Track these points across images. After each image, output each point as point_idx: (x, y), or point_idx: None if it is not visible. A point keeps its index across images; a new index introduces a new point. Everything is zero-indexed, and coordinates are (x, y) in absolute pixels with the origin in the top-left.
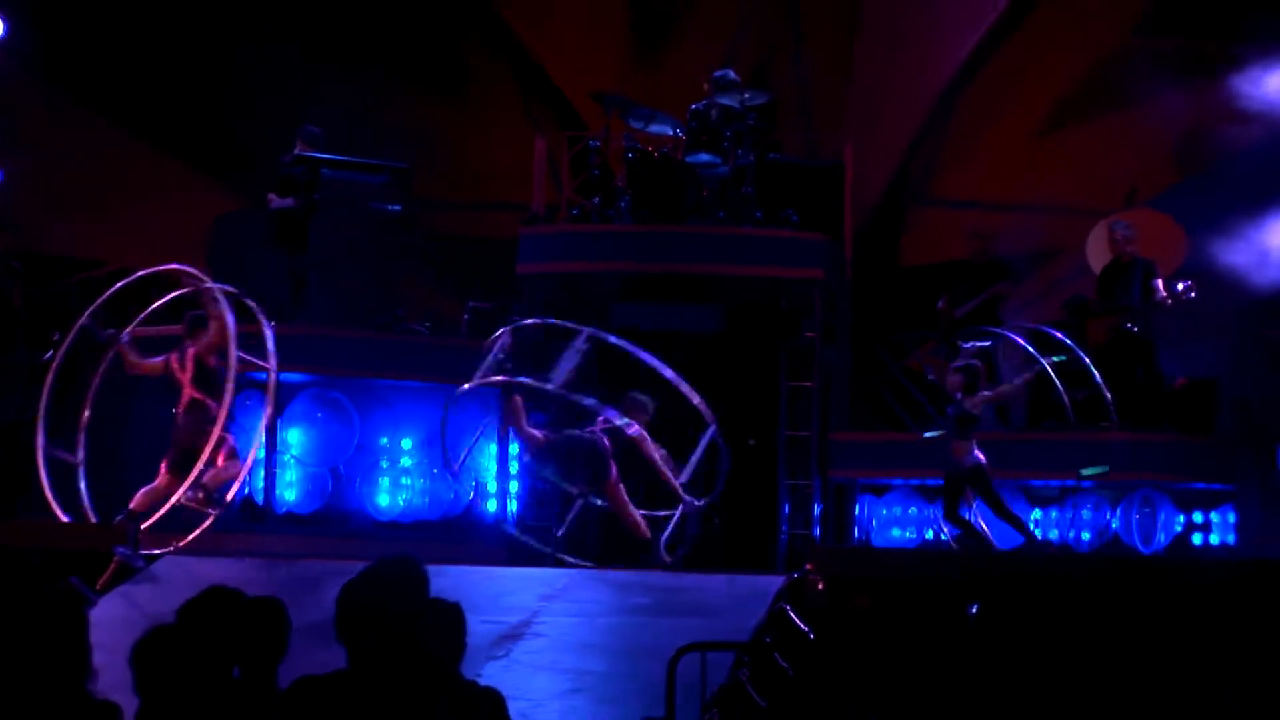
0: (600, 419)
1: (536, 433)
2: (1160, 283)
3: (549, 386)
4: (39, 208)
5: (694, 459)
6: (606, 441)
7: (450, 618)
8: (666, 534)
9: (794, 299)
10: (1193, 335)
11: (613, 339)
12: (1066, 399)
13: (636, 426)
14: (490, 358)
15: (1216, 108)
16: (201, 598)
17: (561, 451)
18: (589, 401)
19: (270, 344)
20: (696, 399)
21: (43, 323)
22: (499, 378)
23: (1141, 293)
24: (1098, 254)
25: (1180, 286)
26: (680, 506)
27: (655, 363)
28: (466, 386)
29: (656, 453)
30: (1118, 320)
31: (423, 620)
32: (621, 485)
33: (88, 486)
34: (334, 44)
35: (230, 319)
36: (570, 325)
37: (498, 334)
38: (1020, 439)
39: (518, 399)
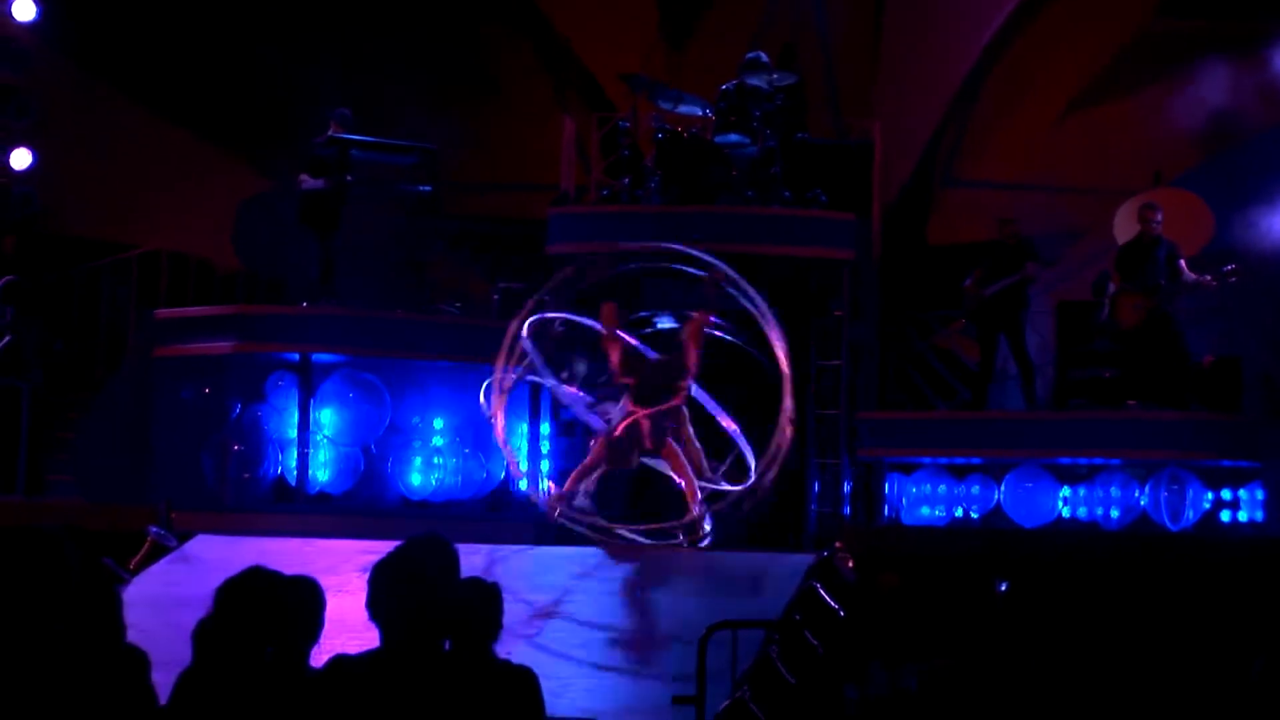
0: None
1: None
2: (1184, 263)
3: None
4: (69, 189)
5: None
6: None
7: (488, 597)
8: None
9: (822, 278)
10: (1217, 313)
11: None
12: None
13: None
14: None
15: (1241, 87)
16: (241, 578)
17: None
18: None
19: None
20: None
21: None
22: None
23: (1168, 273)
24: (1126, 234)
25: (1226, 269)
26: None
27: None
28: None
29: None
30: (1150, 300)
31: (461, 600)
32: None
33: None
34: (364, 26)
35: None
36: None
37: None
38: (1047, 418)
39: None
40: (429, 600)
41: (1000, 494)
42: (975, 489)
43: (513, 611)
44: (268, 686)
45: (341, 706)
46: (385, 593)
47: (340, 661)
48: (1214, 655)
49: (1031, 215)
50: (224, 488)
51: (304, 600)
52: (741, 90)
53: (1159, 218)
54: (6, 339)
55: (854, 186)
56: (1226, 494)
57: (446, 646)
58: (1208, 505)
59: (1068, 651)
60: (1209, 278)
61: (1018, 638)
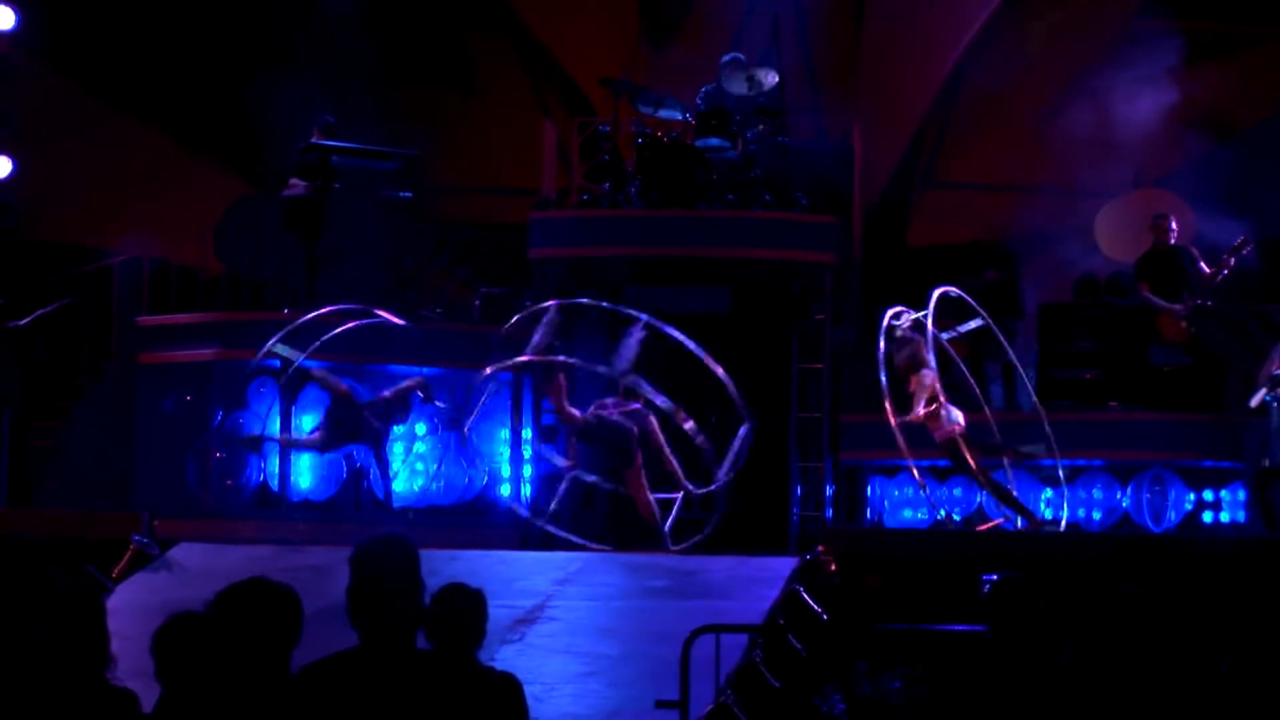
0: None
1: (575, 412)
2: (1203, 264)
3: (604, 369)
4: (50, 197)
5: (732, 453)
6: (635, 429)
7: (472, 603)
8: (670, 520)
9: (804, 281)
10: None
11: (669, 329)
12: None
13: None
14: (538, 337)
15: (1220, 87)
16: (240, 587)
17: (593, 434)
18: (662, 401)
19: None
20: (736, 396)
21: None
22: (559, 357)
23: (1195, 279)
24: (1107, 235)
25: (1236, 243)
26: (681, 493)
27: (706, 358)
28: (520, 360)
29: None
30: (1192, 306)
31: (444, 604)
32: (643, 472)
33: None
34: (345, 32)
35: None
36: (629, 312)
37: (545, 310)
38: (1028, 420)
39: (561, 378)
40: (394, 601)
41: (982, 496)
42: (957, 491)
43: (496, 617)
44: (250, 694)
45: (324, 710)
46: (351, 594)
47: (322, 664)
48: (1196, 656)
49: (1011, 217)
50: (207, 494)
51: (291, 607)
52: (721, 93)
53: (1173, 225)
54: None
55: (835, 189)
56: (1209, 495)
57: (429, 647)
58: (1190, 506)
59: (1050, 654)
60: (1226, 256)
61: (1000, 639)
